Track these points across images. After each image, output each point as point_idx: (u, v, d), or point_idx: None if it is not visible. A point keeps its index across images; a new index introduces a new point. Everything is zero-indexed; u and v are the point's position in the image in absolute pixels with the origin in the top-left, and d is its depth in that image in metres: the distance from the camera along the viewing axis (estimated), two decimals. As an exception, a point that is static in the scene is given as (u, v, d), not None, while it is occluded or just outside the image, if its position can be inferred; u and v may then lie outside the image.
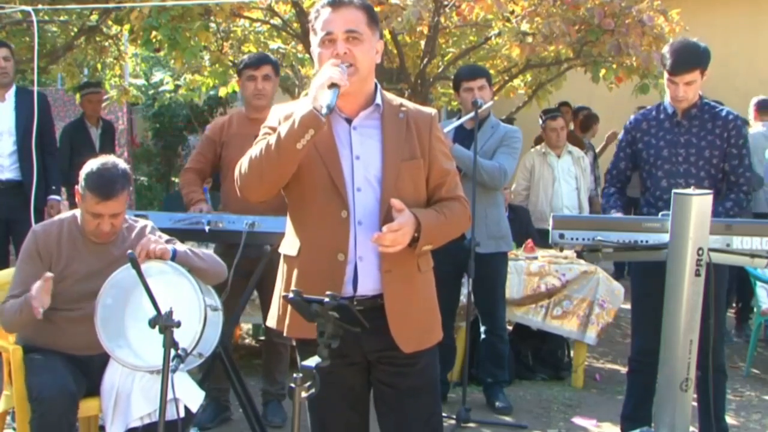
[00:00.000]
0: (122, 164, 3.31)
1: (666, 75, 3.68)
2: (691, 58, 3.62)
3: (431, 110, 2.61)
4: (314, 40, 2.46)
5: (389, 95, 2.58)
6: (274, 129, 2.43)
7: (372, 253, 2.41)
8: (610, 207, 3.84)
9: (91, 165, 3.26)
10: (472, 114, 4.43)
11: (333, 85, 2.27)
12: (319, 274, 2.40)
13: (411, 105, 2.58)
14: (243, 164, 2.43)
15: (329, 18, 2.40)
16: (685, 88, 3.64)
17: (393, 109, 2.51)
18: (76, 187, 3.29)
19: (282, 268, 2.56)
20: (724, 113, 3.75)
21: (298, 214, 2.51)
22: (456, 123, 4.58)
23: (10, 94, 5.29)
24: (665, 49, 3.70)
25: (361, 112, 2.48)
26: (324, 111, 2.26)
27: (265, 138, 2.43)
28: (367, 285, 2.44)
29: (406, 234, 2.36)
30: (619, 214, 3.73)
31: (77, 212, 3.35)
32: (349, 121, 2.47)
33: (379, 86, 2.52)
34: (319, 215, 2.43)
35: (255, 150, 2.40)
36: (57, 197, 5.40)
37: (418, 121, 2.52)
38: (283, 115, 2.45)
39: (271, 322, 2.60)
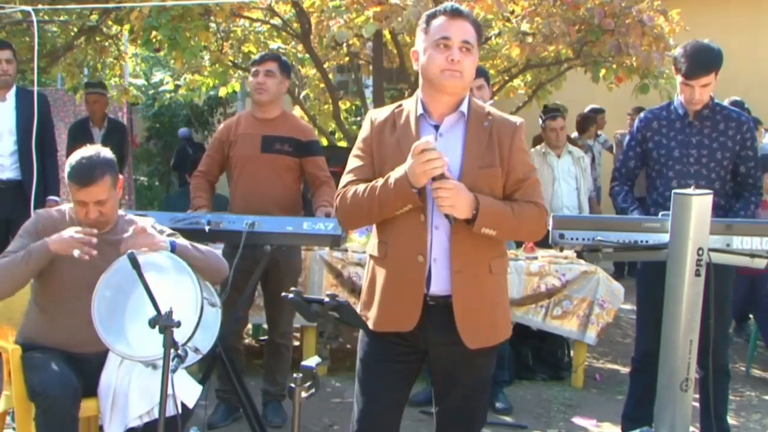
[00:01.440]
0: (106, 152, 3.28)
1: (680, 78, 3.65)
2: (707, 61, 3.60)
3: (517, 119, 2.71)
4: (423, 40, 2.60)
5: (479, 103, 2.71)
6: (366, 144, 2.67)
7: (445, 255, 2.57)
8: (629, 206, 3.81)
9: (74, 155, 3.26)
10: None
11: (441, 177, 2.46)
12: (401, 275, 2.60)
13: (497, 113, 2.70)
14: (346, 197, 2.64)
15: (447, 25, 2.56)
16: (701, 91, 3.63)
17: (479, 117, 2.64)
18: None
19: (368, 266, 2.75)
20: (735, 115, 3.75)
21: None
22: None
23: (11, 94, 5.31)
24: (678, 52, 3.66)
25: (446, 119, 2.62)
26: (450, 222, 2.50)
27: (359, 158, 2.67)
28: (440, 285, 2.59)
29: (461, 197, 2.47)
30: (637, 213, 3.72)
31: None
32: (436, 127, 2.61)
33: (469, 95, 2.66)
34: (401, 219, 2.58)
35: (359, 188, 2.60)
36: (56, 197, 5.40)
37: (501, 129, 2.64)
38: (377, 124, 2.66)
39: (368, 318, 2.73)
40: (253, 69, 4.36)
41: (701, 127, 3.73)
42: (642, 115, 3.92)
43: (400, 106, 2.69)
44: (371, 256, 2.73)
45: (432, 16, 2.60)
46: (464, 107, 2.62)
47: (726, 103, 6.56)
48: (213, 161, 4.44)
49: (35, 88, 5.10)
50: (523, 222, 2.60)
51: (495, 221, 2.53)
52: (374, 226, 2.73)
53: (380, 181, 2.56)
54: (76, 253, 3.05)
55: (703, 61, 3.59)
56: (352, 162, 2.70)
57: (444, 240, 2.56)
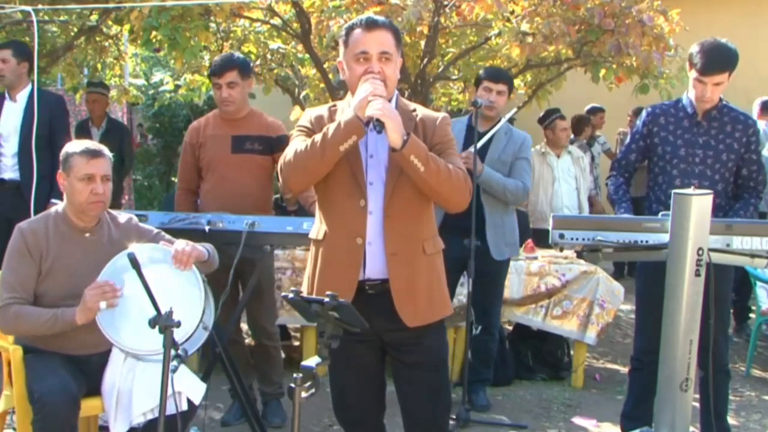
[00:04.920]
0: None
1: (694, 74, 3.64)
2: (723, 59, 3.59)
3: (440, 114, 2.89)
4: (344, 53, 2.77)
5: (405, 102, 2.89)
6: (306, 128, 2.79)
7: (380, 239, 2.73)
8: (620, 199, 3.82)
9: (73, 143, 3.36)
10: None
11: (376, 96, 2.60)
12: (340, 256, 2.75)
13: (423, 110, 2.89)
14: (288, 156, 2.73)
15: (364, 39, 2.71)
16: (713, 89, 3.62)
17: (405, 114, 2.79)
18: (58, 172, 3.31)
19: (310, 251, 2.89)
20: (743, 117, 3.75)
21: (324, 203, 2.84)
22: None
23: (23, 95, 5.26)
24: (694, 48, 3.64)
25: None
26: (376, 129, 2.60)
27: (302, 134, 2.78)
28: (376, 267, 2.74)
29: (396, 115, 2.62)
30: (626, 213, 3.73)
31: (61, 206, 3.36)
32: (367, 123, 2.70)
33: (397, 93, 2.84)
34: (341, 205, 2.75)
35: (300, 146, 2.70)
36: (58, 201, 5.38)
37: (426, 123, 2.82)
38: (313, 117, 2.82)
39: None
40: (214, 81, 4.25)
41: (708, 127, 3.72)
42: (650, 109, 3.90)
43: (335, 105, 2.86)
44: (313, 240, 2.87)
45: (350, 29, 2.74)
46: (392, 104, 2.78)
47: (757, 103, 6.59)
48: (188, 166, 4.39)
49: (35, 88, 5.09)
50: (451, 175, 2.68)
51: (424, 155, 2.63)
52: (316, 212, 2.86)
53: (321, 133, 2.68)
54: (103, 305, 3.07)
55: (719, 58, 3.58)
56: (294, 139, 2.80)
57: (378, 223, 2.72)
